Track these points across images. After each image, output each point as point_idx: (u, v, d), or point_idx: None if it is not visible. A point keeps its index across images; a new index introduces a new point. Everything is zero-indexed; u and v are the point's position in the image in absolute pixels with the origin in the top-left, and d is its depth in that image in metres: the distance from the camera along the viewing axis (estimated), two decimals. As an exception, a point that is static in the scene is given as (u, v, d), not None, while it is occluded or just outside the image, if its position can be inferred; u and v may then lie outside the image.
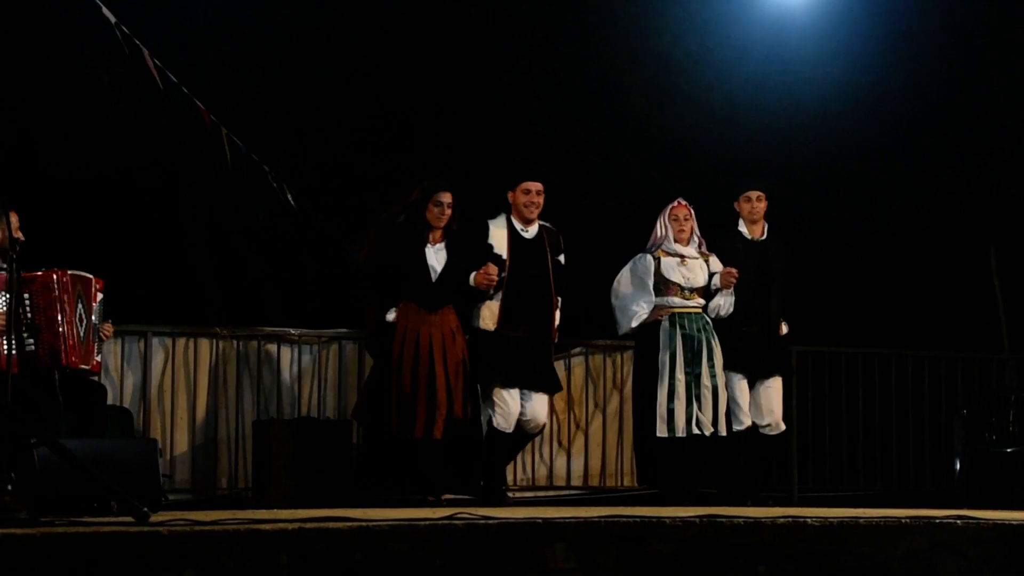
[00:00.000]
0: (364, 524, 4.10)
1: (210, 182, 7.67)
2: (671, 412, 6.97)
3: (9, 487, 4.31)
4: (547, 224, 7.12)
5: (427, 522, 4.19)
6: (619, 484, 8.08)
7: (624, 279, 7.19)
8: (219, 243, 8.09)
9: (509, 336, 6.88)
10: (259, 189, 7.33)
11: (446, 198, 6.79)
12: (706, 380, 7.03)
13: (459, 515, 4.43)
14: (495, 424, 6.87)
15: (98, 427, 5.93)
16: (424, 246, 6.82)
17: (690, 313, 7.13)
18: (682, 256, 7.18)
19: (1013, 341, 8.27)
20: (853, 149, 8.63)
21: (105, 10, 5.79)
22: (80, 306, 5.86)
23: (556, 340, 7.10)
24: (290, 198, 7.37)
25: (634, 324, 7.16)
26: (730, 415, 7.16)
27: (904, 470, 8.49)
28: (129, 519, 4.21)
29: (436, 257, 6.83)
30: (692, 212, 7.22)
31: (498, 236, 6.98)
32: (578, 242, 7.28)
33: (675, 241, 7.18)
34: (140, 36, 6.08)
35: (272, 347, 7.55)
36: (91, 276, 5.97)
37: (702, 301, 7.18)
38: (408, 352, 6.69)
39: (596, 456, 8.10)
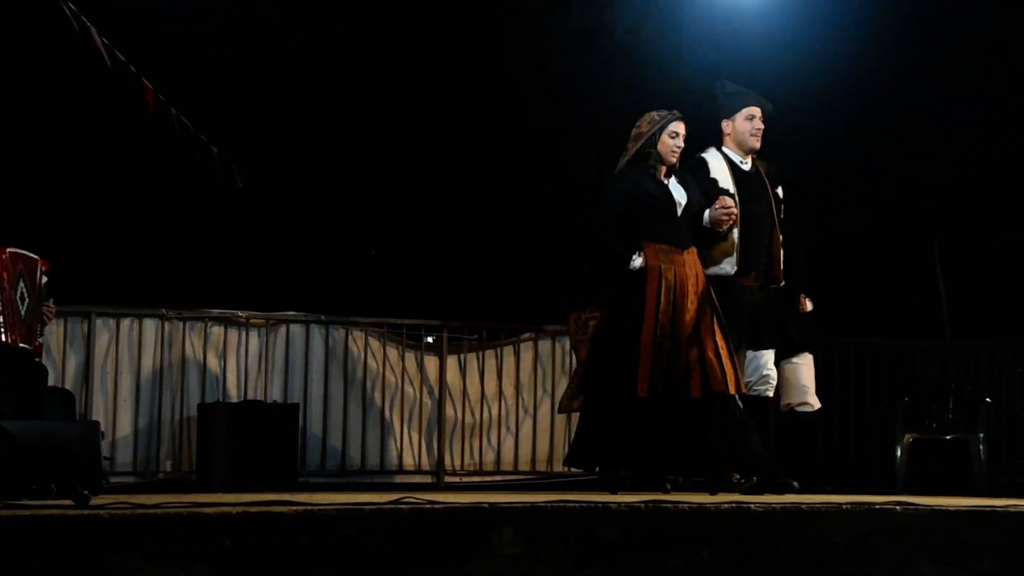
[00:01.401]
0: (309, 508, 4.08)
1: (158, 162, 7.60)
2: None
3: (-53, 469, 4.26)
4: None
5: (373, 506, 4.18)
6: (568, 469, 8.07)
7: None
8: (167, 224, 8.01)
9: (742, 284, 6.28)
10: (208, 169, 7.27)
11: (681, 128, 6.15)
12: None
13: (405, 499, 4.42)
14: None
15: (39, 408, 5.86)
16: (662, 180, 6.15)
17: None
18: None
19: (954, 331, 8.37)
20: (803, 139, 8.66)
21: (52, -14, 5.76)
22: (22, 285, 5.78)
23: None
24: (238, 179, 7.30)
25: None
26: None
27: (847, 457, 8.56)
28: (69, 502, 4.16)
29: (675, 191, 6.18)
30: None
31: (719, 170, 6.34)
32: (529, 227, 7.24)
33: None
34: (88, 13, 6.02)
35: (219, 329, 7.49)
36: (36, 257, 5.89)
37: None
38: (667, 297, 5.99)
39: (544, 441, 8.11)
